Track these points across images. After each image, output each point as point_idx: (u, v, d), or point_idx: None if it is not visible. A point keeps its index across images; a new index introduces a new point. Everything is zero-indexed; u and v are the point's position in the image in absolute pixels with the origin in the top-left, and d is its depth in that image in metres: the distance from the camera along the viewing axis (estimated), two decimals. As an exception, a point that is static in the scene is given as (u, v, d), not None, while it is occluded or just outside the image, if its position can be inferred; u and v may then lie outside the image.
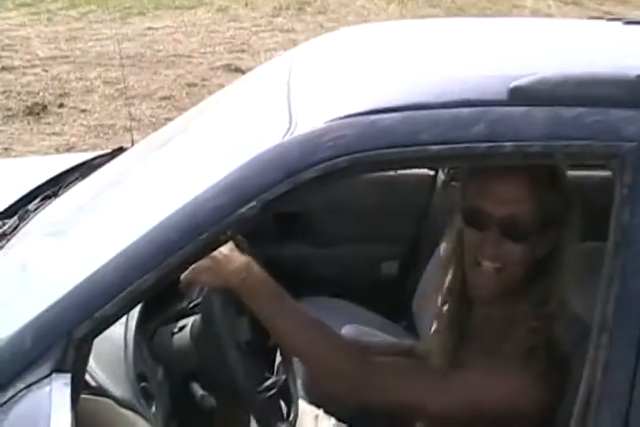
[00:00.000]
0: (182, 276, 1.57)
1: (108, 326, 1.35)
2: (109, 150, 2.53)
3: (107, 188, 1.89)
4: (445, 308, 1.73)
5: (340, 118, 1.34)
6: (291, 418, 1.79)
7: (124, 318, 1.56)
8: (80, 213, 1.83)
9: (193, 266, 1.52)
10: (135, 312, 1.70)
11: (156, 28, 9.06)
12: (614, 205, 1.36)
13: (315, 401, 2.10)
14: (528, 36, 1.73)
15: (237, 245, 1.67)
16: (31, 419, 1.23)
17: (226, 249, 1.56)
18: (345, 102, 1.40)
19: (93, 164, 2.36)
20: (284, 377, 1.79)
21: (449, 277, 1.69)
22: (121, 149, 2.45)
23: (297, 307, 1.59)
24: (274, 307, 1.56)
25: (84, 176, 2.23)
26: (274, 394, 1.71)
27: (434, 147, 1.30)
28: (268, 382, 1.73)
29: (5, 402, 1.27)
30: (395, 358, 1.76)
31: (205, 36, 8.61)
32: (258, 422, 1.71)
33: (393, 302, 2.88)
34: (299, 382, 2.01)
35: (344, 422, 2.06)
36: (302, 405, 2.02)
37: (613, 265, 1.34)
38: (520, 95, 1.35)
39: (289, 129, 1.37)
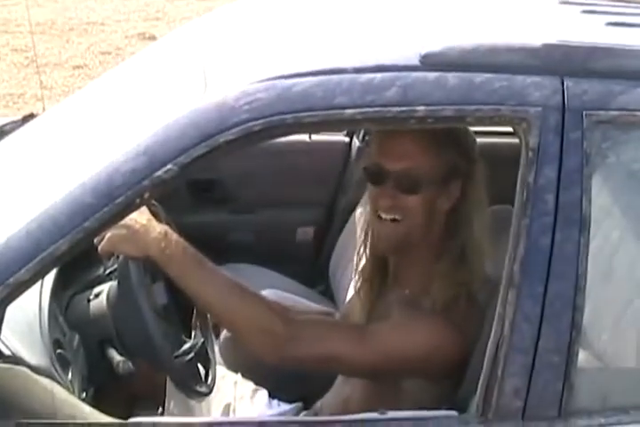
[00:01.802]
0: (100, 246, 1.58)
1: (21, 293, 1.34)
2: (20, 117, 2.49)
3: (18, 153, 1.86)
4: (361, 266, 1.78)
5: (256, 82, 1.35)
6: (209, 381, 1.81)
7: (37, 286, 1.55)
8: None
9: (109, 235, 1.54)
10: (50, 279, 1.69)
11: (67, -6, 8.82)
12: (520, 167, 1.41)
13: (232, 368, 2.12)
14: (448, 6, 1.76)
15: (154, 214, 1.67)
16: None
17: (143, 218, 1.56)
18: (260, 66, 1.41)
19: (4, 130, 2.31)
20: (201, 341, 1.80)
21: (361, 234, 1.75)
22: (32, 116, 2.41)
23: (218, 272, 1.60)
24: (196, 274, 1.57)
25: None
26: (192, 358, 1.73)
27: (348, 111, 1.33)
28: (186, 346, 1.74)
29: None
30: (318, 316, 1.81)
31: (119, 4, 8.44)
32: (176, 385, 1.72)
33: (308, 267, 2.92)
34: (216, 349, 2.03)
35: (262, 386, 2.09)
36: (221, 371, 2.05)
37: (520, 225, 1.40)
38: (432, 61, 1.38)
39: (204, 93, 1.37)
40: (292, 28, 1.62)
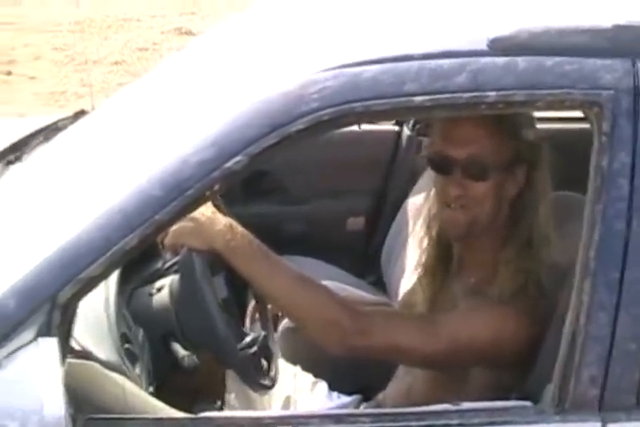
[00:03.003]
0: (166, 239, 1.57)
1: (92, 288, 1.33)
2: (71, 113, 2.49)
3: (78, 149, 1.86)
4: (424, 256, 1.76)
5: (324, 70, 1.33)
6: (272, 374, 1.80)
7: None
8: (52, 176, 1.79)
9: (174, 228, 1.54)
10: (115, 274, 1.69)
11: (105, -9, 8.87)
12: (593, 152, 1.39)
13: (291, 360, 2.11)
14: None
15: (217, 207, 1.67)
16: (17, 385, 1.21)
17: (208, 211, 1.57)
18: (327, 55, 1.39)
19: (56, 127, 2.32)
20: (262, 334, 1.79)
21: (422, 225, 1.75)
22: (83, 112, 2.41)
23: (283, 263, 1.60)
24: (261, 266, 1.56)
25: (47, 140, 2.19)
26: (255, 351, 1.72)
27: (418, 98, 1.31)
28: (248, 339, 1.73)
29: None
30: (382, 308, 1.79)
31: (155, 0, 8.47)
32: (241, 378, 1.71)
33: (360, 257, 2.90)
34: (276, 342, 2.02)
35: (322, 379, 2.08)
36: (280, 363, 2.04)
37: (594, 211, 1.37)
38: (501, 45, 1.36)
39: (273, 82, 1.36)
40: (360, 15, 1.60)
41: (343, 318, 1.55)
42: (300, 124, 1.29)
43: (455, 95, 1.32)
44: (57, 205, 1.56)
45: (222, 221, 1.57)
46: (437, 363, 1.63)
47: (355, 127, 2.77)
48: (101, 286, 1.65)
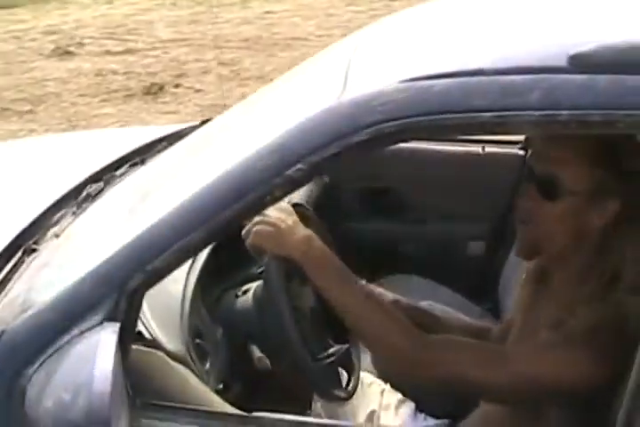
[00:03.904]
0: (247, 240, 1.62)
1: (159, 280, 1.39)
2: (199, 122, 2.60)
3: (183, 155, 1.94)
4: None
5: (392, 83, 1.33)
6: (350, 387, 1.80)
7: (183, 276, 1.61)
8: (156, 178, 1.88)
9: (255, 230, 1.59)
10: (196, 270, 1.75)
11: (275, 12, 9.17)
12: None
13: (382, 376, 2.10)
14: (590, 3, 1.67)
15: (306, 219, 1.70)
16: (79, 361, 1.30)
17: (290, 220, 1.60)
18: (398, 68, 1.39)
19: (181, 134, 2.43)
20: (346, 346, 1.79)
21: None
22: (209, 120, 2.51)
23: (356, 282, 1.61)
24: (333, 281, 1.58)
25: (170, 145, 2.30)
26: (333, 362, 1.72)
27: (486, 114, 1.28)
28: (331, 350, 1.74)
29: (63, 345, 1.34)
30: (450, 335, 1.75)
31: (323, 20, 8.66)
32: (311, 386, 1.72)
33: (478, 283, 2.84)
34: (367, 357, 2.02)
35: (409, 398, 2.05)
36: (370, 378, 2.05)
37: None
38: (582, 62, 1.30)
39: (341, 93, 1.37)
40: (433, 31, 1.59)
41: (407, 347, 1.54)
42: (362, 136, 1.30)
43: (525, 113, 1.28)
44: (145, 202, 1.64)
45: (302, 231, 1.60)
46: (503, 395, 1.57)
47: (479, 149, 2.74)
48: (181, 280, 1.73)
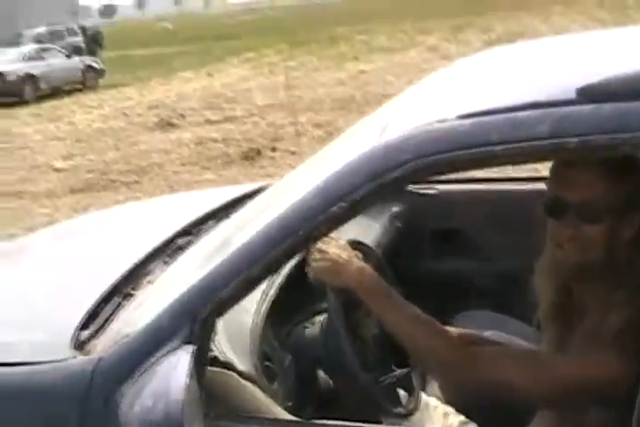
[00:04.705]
0: (309, 275, 1.83)
1: (227, 308, 1.63)
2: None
3: (257, 207, 2.17)
4: (544, 304, 1.85)
5: (419, 125, 1.52)
6: (409, 408, 1.96)
7: (254, 308, 1.83)
8: (233, 229, 2.11)
9: (315, 264, 1.80)
10: (266, 304, 1.96)
11: (368, 71, 9.47)
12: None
13: (448, 401, 2.23)
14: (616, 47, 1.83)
15: (365, 254, 1.90)
16: (163, 377, 1.53)
17: (345, 255, 1.82)
18: (425, 111, 1.59)
19: (264, 189, 2.66)
20: (407, 370, 1.96)
21: (538, 277, 1.84)
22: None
23: (404, 304, 1.78)
24: (385, 305, 1.77)
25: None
26: (392, 384, 1.90)
27: (499, 147, 1.45)
28: (394, 373, 1.91)
29: (149, 366, 1.59)
30: (494, 347, 1.89)
31: (415, 76, 8.86)
32: (374, 406, 1.89)
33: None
34: (435, 382, 2.16)
35: (474, 421, 2.17)
36: (434, 402, 2.18)
37: None
38: (590, 93, 1.44)
39: (378, 138, 1.58)
40: (466, 78, 1.78)
41: (454, 358, 1.69)
42: (395, 173, 1.49)
43: (535, 143, 1.44)
44: (221, 250, 1.87)
45: (356, 264, 1.81)
46: (544, 400, 1.70)
47: (545, 187, 2.87)
48: (251, 309, 1.95)
